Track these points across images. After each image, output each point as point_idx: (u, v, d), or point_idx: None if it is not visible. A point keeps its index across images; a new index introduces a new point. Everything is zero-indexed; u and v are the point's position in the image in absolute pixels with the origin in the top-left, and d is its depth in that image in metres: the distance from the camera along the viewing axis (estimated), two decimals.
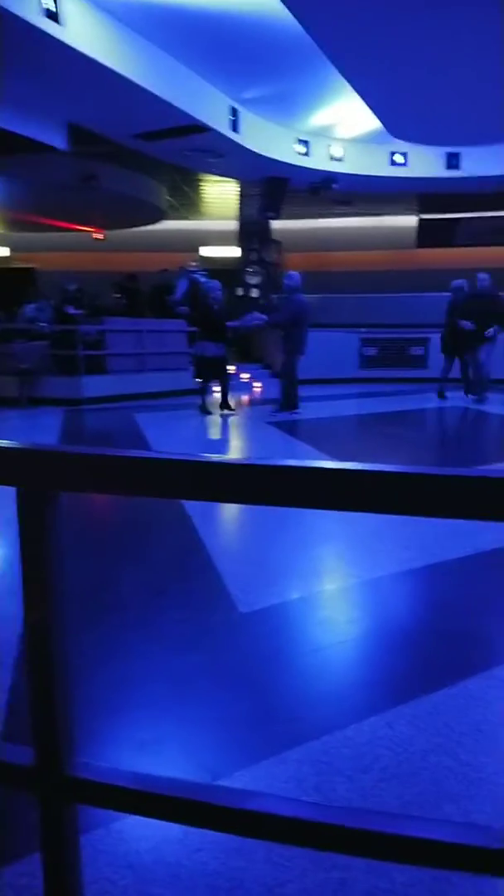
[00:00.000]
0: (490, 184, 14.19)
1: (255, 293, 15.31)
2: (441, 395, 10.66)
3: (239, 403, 9.46)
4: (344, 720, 2.17)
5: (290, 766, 1.96)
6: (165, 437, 7.71)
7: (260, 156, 12.59)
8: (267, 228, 16.05)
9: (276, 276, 14.46)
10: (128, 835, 1.70)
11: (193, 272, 12.12)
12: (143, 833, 1.70)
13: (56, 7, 7.52)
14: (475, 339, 10.21)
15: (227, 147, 11.92)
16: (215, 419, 8.91)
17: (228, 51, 9.70)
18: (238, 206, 16.82)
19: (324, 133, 13.39)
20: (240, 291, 15.41)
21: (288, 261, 16.98)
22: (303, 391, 9.37)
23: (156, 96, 9.53)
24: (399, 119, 11.73)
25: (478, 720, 2.17)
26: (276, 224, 16.28)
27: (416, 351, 14.15)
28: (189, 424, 8.79)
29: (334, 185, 13.99)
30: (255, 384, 12.90)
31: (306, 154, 13.37)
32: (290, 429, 8.22)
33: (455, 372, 10.65)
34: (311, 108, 12.14)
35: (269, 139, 12.68)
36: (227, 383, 9.28)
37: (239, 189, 15.92)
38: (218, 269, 15.69)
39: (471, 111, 10.80)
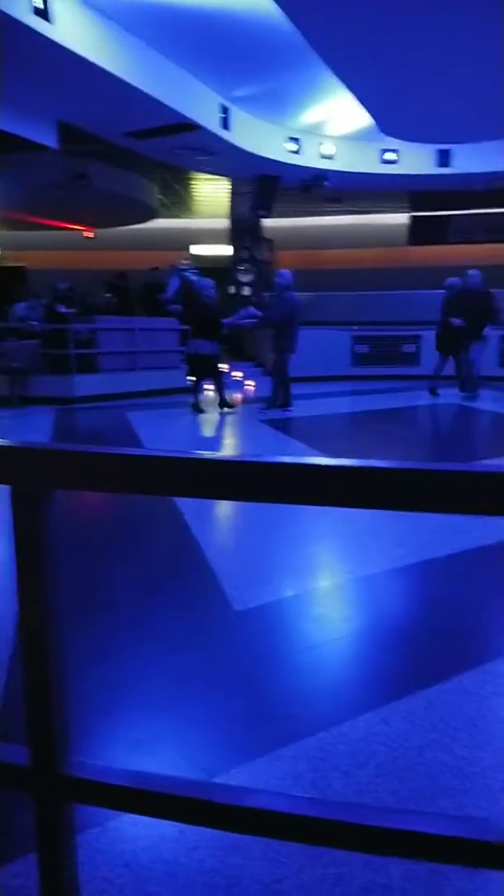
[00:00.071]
0: (481, 181, 14.21)
1: (246, 291, 15.30)
2: (433, 392, 10.68)
3: (233, 401, 9.45)
4: (339, 717, 2.18)
5: (286, 762, 1.96)
6: (158, 436, 7.70)
7: (251, 154, 12.58)
8: (258, 226, 16.04)
9: (267, 275, 14.46)
10: (124, 833, 1.70)
11: (185, 270, 12.11)
12: (139, 832, 1.70)
13: (45, 5, 7.49)
14: (466, 337, 10.23)
15: (217, 145, 11.90)
16: (208, 417, 8.91)
17: (219, 49, 9.68)
18: (229, 204, 16.82)
19: (315, 131, 13.39)
20: (231, 289, 15.40)
21: (279, 259, 16.98)
22: (295, 389, 9.39)
23: (146, 94, 9.51)
24: (391, 116, 11.73)
25: (472, 715, 2.17)
26: (267, 222, 16.28)
27: (408, 348, 14.17)
28: (181, 423, 8.78)
29: (325, 183, 14.00)
30: (247, 382, 12.90)
31: (297, 152, 13.37)
32: (283, 426, 8.22)
33: (449, 369, 10.67)
34: (301, 105, 12.13)
35: (260, 137, 12.67)
36: (222, 381, 9.28)
37: (230, 187, 15.92)
38: (209, 267, 15.68)
39: (462, 109, 10.80)
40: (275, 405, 9.17)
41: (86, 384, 10.52)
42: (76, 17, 8.18)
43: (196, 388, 9.26)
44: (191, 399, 9.29)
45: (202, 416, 8.92)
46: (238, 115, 11.94)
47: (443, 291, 10.78)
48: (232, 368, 12.21)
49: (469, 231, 16.83)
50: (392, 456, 6.09)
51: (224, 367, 9.58)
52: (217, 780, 1.88)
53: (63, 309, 11.37)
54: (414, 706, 2.23)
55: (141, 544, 4.08)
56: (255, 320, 9.63)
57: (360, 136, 13.44)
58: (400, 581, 3.46)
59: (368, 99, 10.70)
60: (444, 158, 13.70)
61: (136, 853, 1.64)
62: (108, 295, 15.05)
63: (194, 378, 9.29)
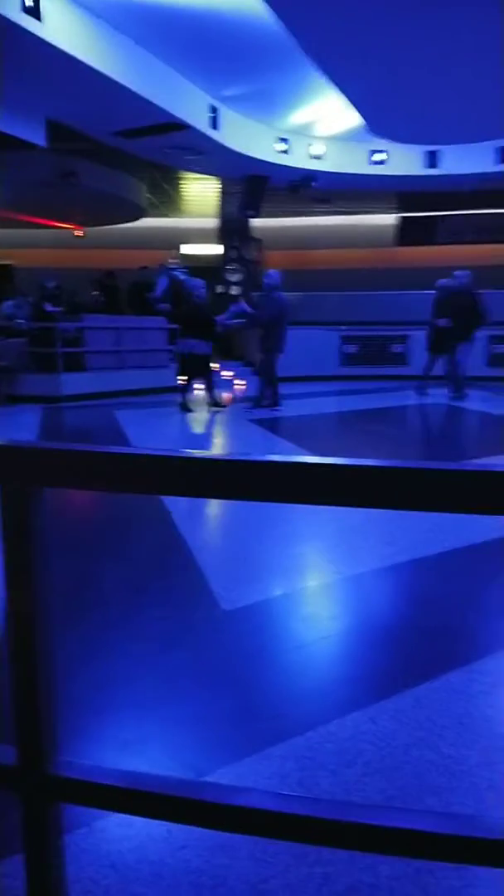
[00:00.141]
0: (469, 182, 14.29)
1: (235, 291, 15.29)
2: (422, 392, 10.73)
3: (222, 401, 9.45)
4: (327, 716, 2.18)
5: (274, 762, 1.96)
6: (146, 435, 7.69)
7: (240, 154, 12.57)
8: (247, 226, 16.04)
9: (256, 274, 14.46)
10: (111, 834, 1.69)
11: (173, 269, 12.09)
12: (126, 832, 1.69)
13: (35, 3, 7.45)
14: (454, 338, 10.27)
15: (206, 145, 11.88)
16: (196, 416, 8.90)
17: (208, 48, 9.67)
18: (218, 203, 16.80)
19: (304, 131, 13.40)
20: (220, 289, 15.39)
21: (268, 259, 16.99)
22: (283, 389, 9.40)
23: (135, 94, 9.48)
24: (379, 117, 11.76)
25: (459, 713, 2.18)
26: (256, 222, 16.27)
27: (397, 348, 14.22)
28: (169, 422, 8.76)
29: (314, 184, 14.01)
30: (236, 382, 12.89)
31: (286, 152, 13.38)
32: (271, 426, 8.23)
33: (439, 369, 10.70)
34: (290, 106, 12.14)
35: (248, 137, 12.66)
36: (212, 381, 9.28)
37: (219, 187, 15.91)
38: (198, 266, 15.66)
39: (450, 110, 10.85)
40: (261, 404, 9.19)
41: (73, 383, 10.48)
42: (66, 16, 8.15)
43: (186, 388, 9.25)
44: (179, 398, 9.28)
45: (191, 415, 8.91)
46: (227, 115, 11.94)
47: (431, 292, 10.83)
48: (221, 368, 12.21)
49: (457, 232, 16.92)
50: (380, 455, 6.11)
51: (215, 366, 9.57)
52: (205, 779, 1.87)
53: (50, 307, 11.33)
54: (401, 705, 2.23)
55: (128, 543, 4.07)
56: (244, 320, 9.63)
57: (349, 137, 13.46)
58: (388, 580, 3.47)
59: (357, 99, 10.73)
60: (432, 159, 13.75)
61: (123, 854, 1.63)
62: (95, 293, 15.00)
63: (185, 377, 9.27)
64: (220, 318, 9.33)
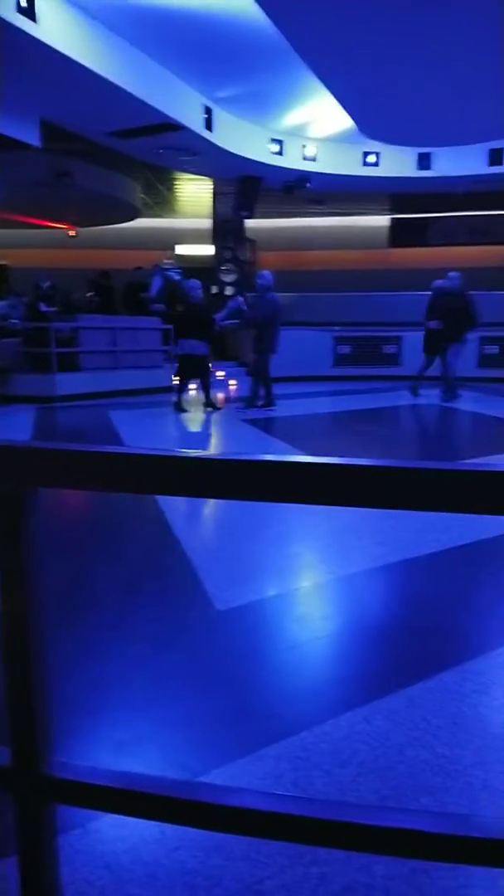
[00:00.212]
0: (461, 184, 14.33)
1: (229, 291, 15.30)
2: (415, 392, 10.74)
3: (217, 401, 9.45)
4: (321, 716, 2.18)
5: (268, 762, 1.96)
6: (140, 435, 7.68)
7: (234, 155, 12.58)
8: (241, 227, 16.05)
9: (250, 275, 14.47)
10: (105, 835, 1.69)
11: (168, 269, 12.08)
12: (120, 833, 1.69)
13: (30, 3, 7.45)
14: (445, 339, 10.28)
15: (201, 146, 11.89)
16: (190, 416, 8.89)
17: (202, 49, 9.67)
18: (212, 204, 16.81)
19: (297, 132, 13.42)
20: (214, 289, 15.40)
21: (262, 259, 17.01)
22: (277, 389, 9.41)
23: (130, 94, 9.48)
24: (372, 119, 11.79)
25: (453, 713, 2.19)
26: (250, 223, 16.29)
27: (390, 349, 14.25)
28: (164, 422, 8.75)
29: (308, 185, 14.03)
30: (230, 382, 12.90)
31: (280, 153, 13.40)
32: (265, 426, 8.23)
33: (434, 370, 10.70)
34: (284, 107, 12.16)
35: (242, 138, 12.68)
36: (209, 381, 9.27)
37: (213, 187, 15.90)
38: (192, 267, 15.66)
39: (442, 112, 10.88)
40: (254, 404, 9.19)
41: (67, 383, 10.45)
42: (61, 16, 8.14)
43: (182, 388, 9.23)
44: (173, 398, 9.27)
45: (185, 416, 8.91)
46: (221, 116, 11.95)
47: (425, 293, 10.85)
48: (215, 368, 12.22)
49: (449, 234, 16.97)
50: (372, 455, 6.12)
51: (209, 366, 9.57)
52: (200, 780, 1.87)
53: (45, 307, 11.31)
54: (395, 705, 2.24)
55: (122, 544, 4.06)
56: (238, 321, 9.63)
57: (342, 139, 13.50)
58: (381, 580, 3.47)
59: (349, 101, 10.75)
60: (424, 161, 13.79)
61: (117, 854, 1.63)
62: (90, 294, 14.99)
63: (183, 378, 9.23)
64: (218, 315, 9.34)
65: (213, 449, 7.28)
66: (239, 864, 1.59)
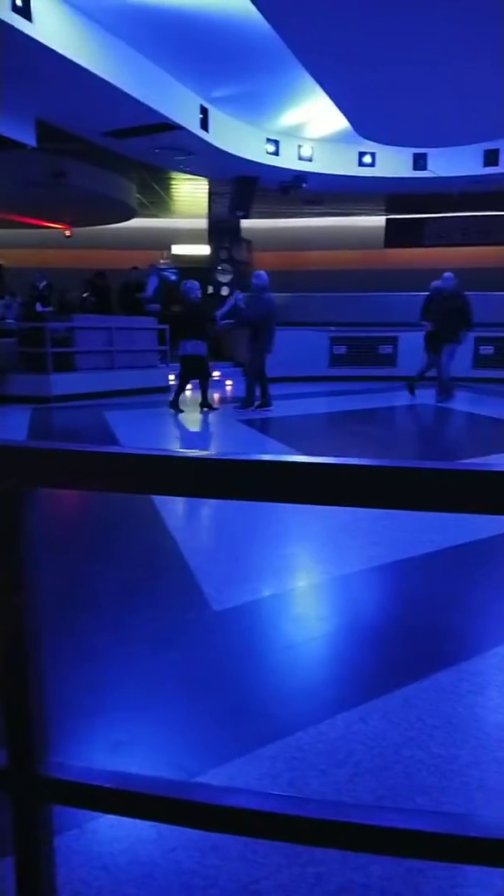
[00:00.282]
0: (456, 184, 14.35)
1: (225, 291, 15.31)
2: (411, 391, 10.76)
3: (213, 402, 9.45)
4: (317, 716, 2.18)
5: (264, 762, 1.96)
6: (136, 435, 7.67)
7: (230, 155, 12.58)
8: (237, 227, 16.05)
9: (246, 275, 14.48)
10: (102, 835, 1.69)
11: (164, 269, 12.07)
12: (117, 833, 1.69)
13: (25, 2, 7.43)
14: (440, 339, 10.28)
15: (196, 146, 11.88)
16: (187, 417, 8.89)
17: (198, 49, 9.67)
18: (208, 204, 16.81)
19: (293, 133, 13.43)
20: (210, 289, 15.40)
21: (258, 260, 17.00)
22: (273, 389, 9.41)
23: (126, 94, 9.47)
24: (367, 120, 11.80)
25: (449, 713, 2.19)
26: (246, 223, 16.29)
27: (385, 349, 14.27)
28: (160, 422, 8.75)
29: (304, 185, 14.04)
30: (226, 382, 12.91)
31: (276, 153, 13.40)
32: (261, 426, 8.23)
33: (433, 370, 10.72)
34: (280, 107, 12.16)
35: (238, 138, 12.68)
36: (208, 382, 9.26)
37: (209, 187, 15.90)
38: (188, 267, 15.66)
39: (437, 113, 10.89)
40: (250, 405, 9.20)
41: (63, 383, 10.44)
42: (56, 16, 8.13)
43: (181, 388, 9.21)
44: (171, 398, 9.26)
45: (181, 416, 8.91)
46: (217, 116, 11.94)
47: (421, 293, 10.87)
48: (211, 368, 12.22)
49: (445, 234, 16.97)
50: (368, 456, 6.13)
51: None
52: (196, 780, 1.87)
53: (41, 307, 11.29)
54: (391, 705, 2.24)
55: (118, 544, 4.06)
56: (233, 321, 9.63)
57: (338, 139, 13.51)
58: (376, 580, 3.48)
59: (344, 101, 10.76)
60: (420, 162, 13.80)
61: (114, 855, 1.63)
62: (86, 294, 14.98)
63: (185, 379, 9.20)
64: (219, 312, 9.35)
65: (210, 449, 7.27)
66: (235, 864, 1.59)
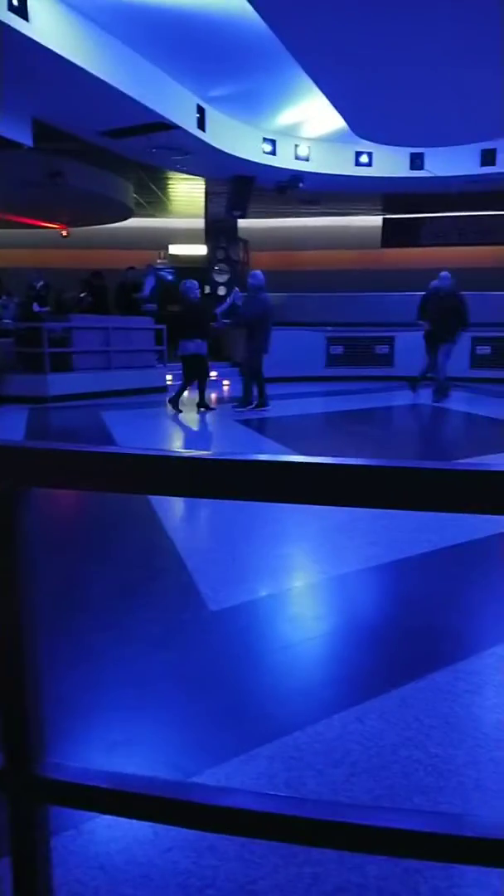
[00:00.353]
0: (453, 184, 14.37)
1: (222, 291, 15.31)
2: (414, 389, 10.79)
3: (210, 402, 9.45)
4: (314, 716, 2.18)
5: (261, 762, 1.96)
6: (133, 435, 7.66)
7: (226, 154, 12.59)
8: (234, 227, 16.06)
9: (242, 275, 14.49)
10: (99, 836, 1.68)
11: (160, 269, 12.06)
12: (114, 834, 1.69)
13: (21, 2, 7.43)
14: (436, 339, 10.27)
15: (193, 145, 11.89)
16: (184, 416, 8.88)
17: (195, 49, 9.67)
18: (205, 204, 16.81)
19: (290, 132, 13.43)
20: (207, 289, 15.41)
21: (255, 259, 17.01)
22: (270, 389, 9.40)
23: (122, 93, 9.47)
24: (364, 119, 11.81)
25: (445, 713, 2.19)
26: (242, 223, 16.29)
27: (382, 349, 14.26)
28: (157, 422, 8.75)
29: (300, 185, 14.04)
30: (223, 382, 12.90)
31: (272, 153, 13.41)
32: (258, 426, 8.23)
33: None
34: (277, 107, 12.17)
35: (235, 138, 12.68)
36: (206, 381, 9.25)
37: (205, 187, 15.90)
38: (185, 266, 15.63)
39: (434, 113, 10.91)
40: (247, 404, 9.19)
41: (60, 383, 10.42)
42: (53, 15, 8.13)
43: (184, 387, 9.18)
44: (170, 395, 9.24)
45: (178, 416, 8.90)
46: (214, 116, 11.95)
47: (417, 293, 10.86)
48: (210, 368, 12.22)
49: (441, 234, 16.99)
50: (365, 455, 6.13)
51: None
52: (193, 780, 1.87)
53: (38, 307, 11.28)
54: (388, 704, 2.24)
55: (115, 544, 4.05)
56: (230, 320, 9.62)
57: (334, 139, 13.52)
58: (373, 580, 3.48)
59: (341, 101, 10.76)
60: (417, 161, 13.83)
61: (111, 855, 1.62)
62: (83, 294, 14.97)
63: (188, 378, 9.17)
64: (219, 308, 9.35)
65: (207, 449, 7.27)
66: (232, 865, 1.59)
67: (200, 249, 17.46)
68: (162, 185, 16.68)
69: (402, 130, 12.31)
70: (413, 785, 1.86)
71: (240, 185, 14.31)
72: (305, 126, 13.16)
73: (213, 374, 11.99)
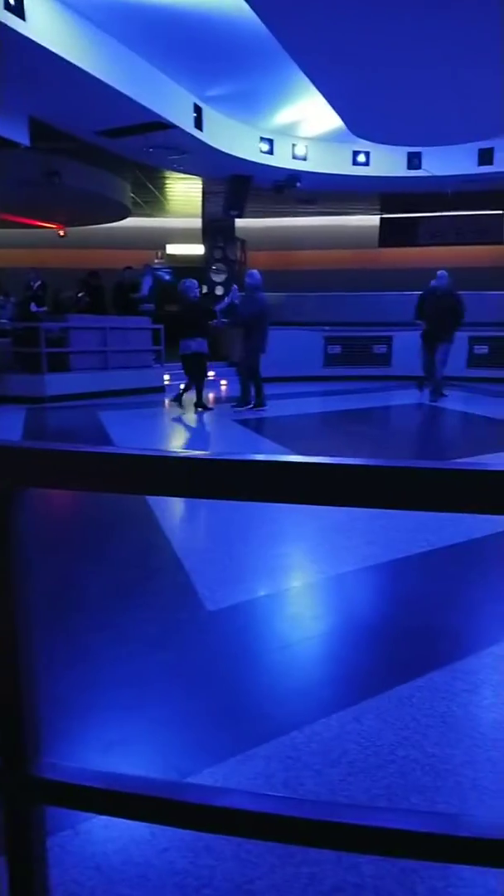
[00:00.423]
0: (451, 183, 14.38)
1: (219, 291, 15.31)
2: (420, 388, 10.81)
3: (208, 401, 9.45)
4: (312, 715, 2.18)
5: (259, 762, 1.96)
6: (130, 435, 7.66)
7: (224, 153, 12.58)
8: (231, 226, 16.05)
9: (240, 274, 14.48)
10: (95, 836, 1.68)
11: (158, 269, 12.05)
12: (110, 834, 1.68)
13: (18, 1, 7.41)
14: (433, 338, 10.28)
15: (190, 144, 11.88)
16: (181, 417, 8.88)
17: (192, 48, 9.66)
18: (202, 203, 16.80)
19: (287, 132, 13.43)
20: (204, 289, 15.40)
21: (252, 259, 17.00)
22: (267, 389, 9.41)
23: (119, 92, 9.46)
24: (361, 119, 11.82)
25: (443, 712, 2.19)
26: (240, 222, 16.28)
27: (380, 349, 14.28)
28: (154, 423, 8.75)
29: (298, 184, 14.04)
30: (221, 382, 12.90)
31: (270, 152, 13.40)
32: (256, 426, 8.23)
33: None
34: (274, 106, 12.16)
35: (232, 137, 12.67)
36: (204, 381, 9.25)
37: (203, 187, 15.89)
38: (182, 266, 15.61)
39: (432, 112, 10.91)
40: (245, 404, 9.19)
41: (57, 383, 10.41)
42: (49, 14, 8.12)
43: (196, 386, 9.17)
44: (172, 395, 9.23)
45: (176, 416, 8.90)
46: (211, 115, 11.94)
47: (415, 293, 10.86)
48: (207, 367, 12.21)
49: (439, 233, 16.99)
50: (363, 454, 6.12)
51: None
52: (190, 780, 1.87)
53: (35, 307, 11.27)
54: (386, 704, 2.24)
55: (112, 544, 4.05)
56: (227, 320, 9.62)
57: (332, 138, 13.52)
58: (371, 580, 3.48)
59: (338, 100, 10.76)
60: (414, 161, 13.83)
61: (108, 855, 1.62)
62: (80, 294, 14.97)
63: (193, 377, 9.17)
64: (219, 305, 9.36)
65: (204, 449, 7.27)
66: (229, 864, 1.59)
67: (198, 249, 17.44)
68: (159, 184, 16.66)
69: (399, 130, 12.31)
70: (410, 784, 1.86)
71: (237, 185, 14.30)
72: (303, 125, 13.15)
73: (210, 373, 11.99)
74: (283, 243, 19.01)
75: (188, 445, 7.48)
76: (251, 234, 17.46)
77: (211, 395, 10.60)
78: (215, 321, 9.16)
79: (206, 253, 16.30)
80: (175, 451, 0.89)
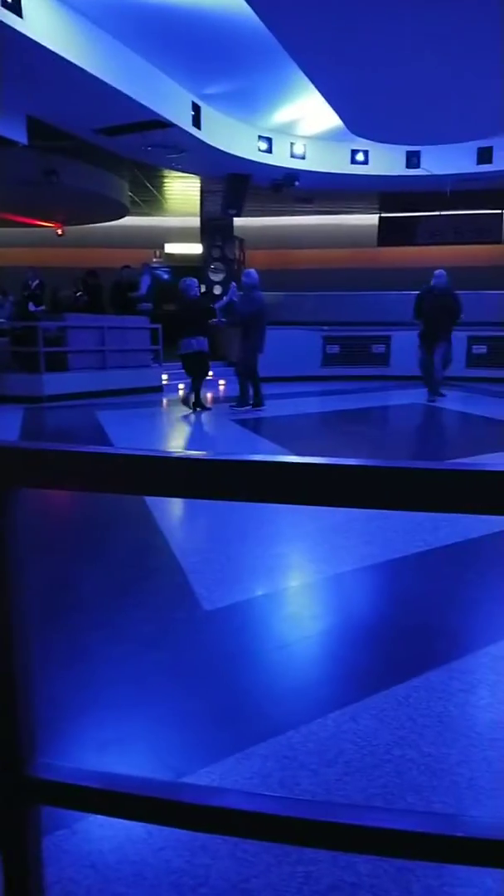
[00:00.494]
0: (450, 182, 14.37)
1: (217, 290, 15.31)
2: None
3: (206, 401, 9.44)
4: (308, 715, 2.18)
5: (255, 761, 1.96)
6: (128, 435, 7.66)
7: (222, 152, 12.56)
8: (229, 225, 16.05)
9: (238, 274, 14.48)
10: (91, 835, 1.68)
11: (156, 268, 12.04)
12: (106, 833, 1.68)
13: None
14: (431, 338, 10.26)
15: (188, 143, 11.86)
16: (179, 416, 8.88)
17: (190, 46, 9.65)
18: (200, 202, 16.79)
19: (286, 130, 13.42)
20: (203, 288, 15.39)
21: (250, 258, 17.00)
22: (265, 389, 9.41)
23: (117, 90, 9.45)
24: (360, 117, 11.81)
25: (439, 712, 2.19)
26: (238, 221, 16.28)
27: (378, 349, 14.27)
28: (152, 422, 8.75)
29: (296, 183, 14.03)
30: (219, 382, 12.90)
31: (268, 151, 13.39)
32: (254, 426, 8.23)
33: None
34: (273, 105, 12.15)
35: (231, 136, 12.66)
36: (203, 380, 9.25)
37: (201, 185, 15.89)
38: (181, 265, 15.59)
39: (431, 111, 10.91)
40: (244, 404, 9.19)
41: (55, 383, 10.40)
42: (47, 12, 8.10)
43: (194, 385, 9.17)
44: (180, 395, 9.22)
45: (173, 416, 8.90)
46: (209, 114, 11.93)
47: (413, 293, 10.85)
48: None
49: (437, 232, 16.99)
50: (361, 455, 6.12)
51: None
52: (186, 780, 1.87)
53: (33, 307, 11.26)
54: (382, 704, 2.24)
55: (109, 544, 4.05)
56: (225, 319, 9.62)
57: (330, 137, 13.50)
58: (369, 579, 3.48)
59: (337, 99, 10.76)
60: (413, 160, 13.82)
61: (104, 854, 1.62)
62: (78, 293, 14.96)
63: (194, 376, 9.16)
64: (218, 304, 9.36)
65: (202, 449, 7.27)
66: (225, 863, 1.59)
67: (196, 248, 17.43)
68: (157, 183, 16.64)
69: (398, 128, 12.30)
70: (406, 784, 1.86)
71: (235, 184, 14.28)
72: (301, 124, 13.14)
73: (209, 373, 11.99)
74: (281, 242, 19.00)
75: (186, 445, 7.48)
76: (249, 232, 17.45)
77: (209, 395, 10.59)
78: (215, 320, 9.15)
79: (204, 252, 16.29)
80: (172, 452, 0.89)
